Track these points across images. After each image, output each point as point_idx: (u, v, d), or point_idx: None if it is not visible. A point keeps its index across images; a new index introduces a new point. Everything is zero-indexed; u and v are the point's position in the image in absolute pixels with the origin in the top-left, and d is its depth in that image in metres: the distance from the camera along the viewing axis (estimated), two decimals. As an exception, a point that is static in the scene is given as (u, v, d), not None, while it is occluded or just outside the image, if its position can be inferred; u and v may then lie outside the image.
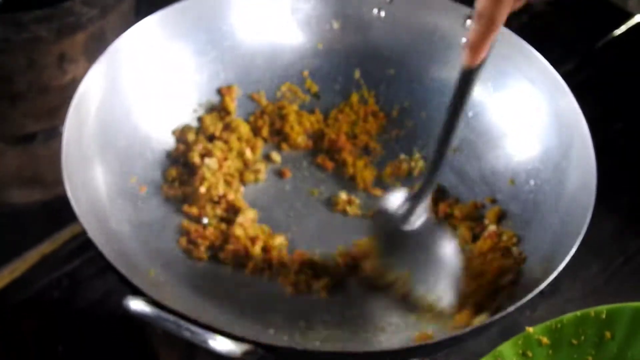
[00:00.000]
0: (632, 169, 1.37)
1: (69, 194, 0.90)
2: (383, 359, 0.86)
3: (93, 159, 0.98)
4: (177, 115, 1.06)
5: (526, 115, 1.03)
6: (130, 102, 1.03)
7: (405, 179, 1.05)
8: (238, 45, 1.08)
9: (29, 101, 1.27)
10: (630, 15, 1.58)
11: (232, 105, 1.07)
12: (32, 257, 1.29)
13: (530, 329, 0.82)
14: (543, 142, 1.01)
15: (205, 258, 0.98)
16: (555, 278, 0.90)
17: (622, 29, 1.59)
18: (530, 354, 0.82)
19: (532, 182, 1.00)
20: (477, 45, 0.84)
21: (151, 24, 1.04)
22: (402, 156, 1.07)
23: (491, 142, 1.05)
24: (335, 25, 1.10)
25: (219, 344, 0.79)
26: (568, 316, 0.83)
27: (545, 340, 0.83)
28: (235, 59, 1.08)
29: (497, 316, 0.85)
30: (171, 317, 0.80)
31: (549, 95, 1.02)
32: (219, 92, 1.08)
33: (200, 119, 1.06)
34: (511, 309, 0.86)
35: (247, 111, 1.08)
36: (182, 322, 0.80)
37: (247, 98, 1.09)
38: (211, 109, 1.07)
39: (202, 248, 0.98)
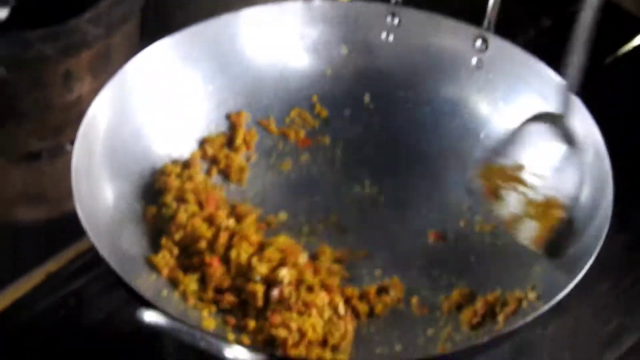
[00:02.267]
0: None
1: (80, 215, 0.91)
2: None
3: (103, 183, 0.99)
4: (186, 140, 1.07)
5: (538, 131, 1.03)
6: (139, 127, 1.04)
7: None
8: (247, 71, 1.09)
9: (34, 119, 1.28)
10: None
11: (241, 131, 1.09)
12: (36, 275, 1.29)
13: None
14: (556, 157, 1.01)
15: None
16: (566, 296, 0.91)
17: (631, 45, 1.59)
18: None
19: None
20: None
21: (161, 48, 1.05)
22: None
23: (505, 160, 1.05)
24: (344, 50, 1.11)
25: (236, 353, 0.79)
26: None
27: None
28: (244, 85, 1.09)
29: (516, 325, 0.87)
30: (186, 328, 0.80)
31: (559, 109, 1.03)
32: (228, 117, 1.09)
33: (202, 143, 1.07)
34: (529, 318, 0.87)
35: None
36: (198, 333, 0.80)
37: (256, 124, 1.10)
38: (219, 135, 1.08)
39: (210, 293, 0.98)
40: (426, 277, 1.01)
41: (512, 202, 1.00)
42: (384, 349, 0.95)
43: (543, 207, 0.99)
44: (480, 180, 1.02)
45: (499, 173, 1.01)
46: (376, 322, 0.97)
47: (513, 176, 1.01)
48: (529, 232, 0.99)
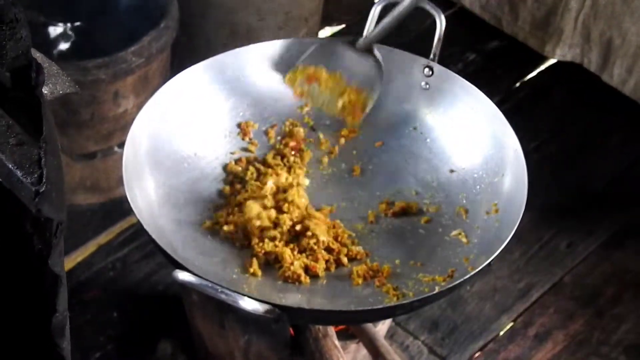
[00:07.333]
0: (544, 177, 1.39)
1: (129, 198, 0.87)
2: (372, 315, 0.85)
3: (145, 175, 0.95)
4: (207, 143, 1.03)
5: (471, 136, 1.01)
6: (173, 133, 1.00)
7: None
8: (252, 91, 1.06)
9: (91, 127, 1.26)
10: (544, 59, 1.58)
11: (249, 135, 1.05)
12: (92, 245, 1.29)
13: None
14: (484, 155, 0.99)
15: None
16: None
17: (534, 72, 1.60)
18: None
19: (477, 187, 0.99)
20: None
21: (188, 74, 1.02)
22: None
23: (445, 159, 1.03)
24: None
25: (247, 303, 0.77)
26: None
27: None
28: (251, 102, 1.06)
29: (456, 282, 0.84)
30: (210, 284, 0.78)
31: (487, 120, 1.00)
32: (239, 126, 1.06)
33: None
34: (466, 277, 0.84)
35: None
36: (219, 287, 0.78)
37: (262, 132, 1.06)
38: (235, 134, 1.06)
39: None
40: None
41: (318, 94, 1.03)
42: None
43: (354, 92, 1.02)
44: (289, 84, 1.03)
45: (302, 74, 1.03)
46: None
47: (314, 75, 1.02)
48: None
